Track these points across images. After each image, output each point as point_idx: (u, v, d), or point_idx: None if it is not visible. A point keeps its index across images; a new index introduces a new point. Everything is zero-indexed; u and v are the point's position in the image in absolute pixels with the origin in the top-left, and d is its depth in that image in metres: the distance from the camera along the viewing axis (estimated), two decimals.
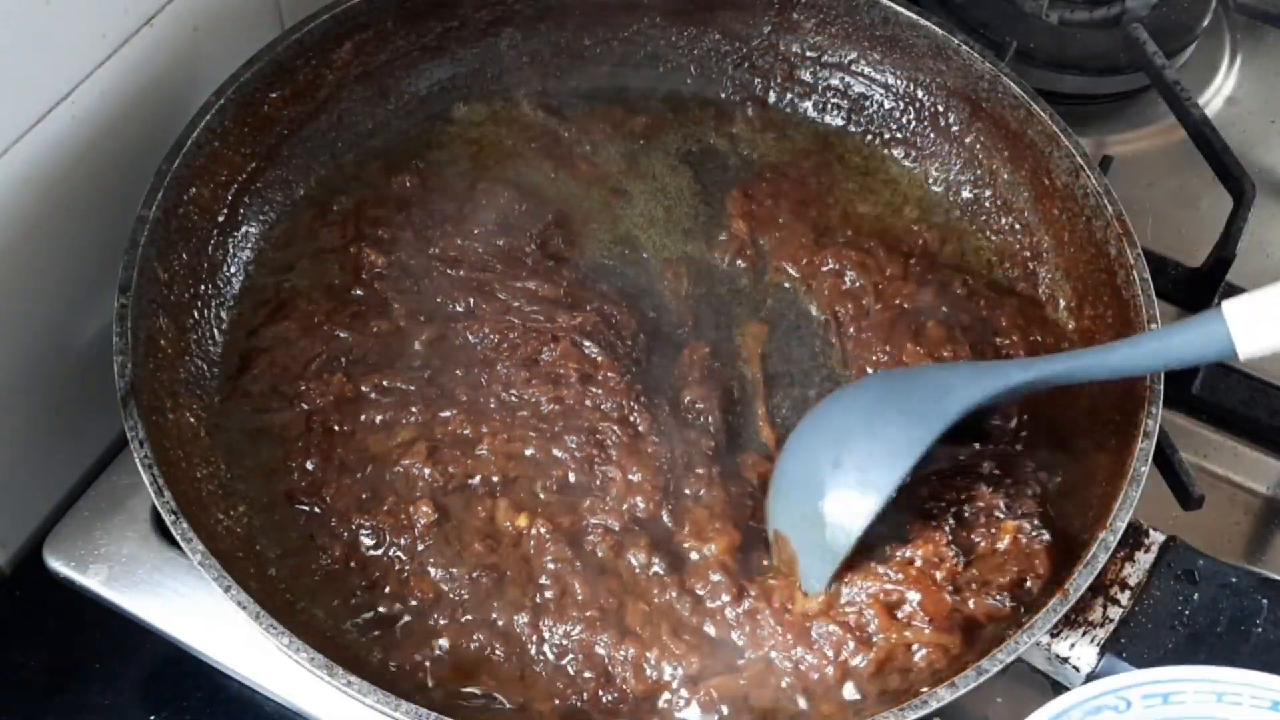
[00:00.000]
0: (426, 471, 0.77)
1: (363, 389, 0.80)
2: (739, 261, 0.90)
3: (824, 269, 0.88)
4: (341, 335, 0.82)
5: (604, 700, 0.71)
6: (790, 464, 0.77)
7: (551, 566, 0.74)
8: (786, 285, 0.89)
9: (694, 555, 0.75)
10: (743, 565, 0.75)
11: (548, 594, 0.73)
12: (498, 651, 0.72)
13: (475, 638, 0.72)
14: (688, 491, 0.78)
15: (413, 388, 0.81)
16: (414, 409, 0.80)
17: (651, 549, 0.75)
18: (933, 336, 0.83)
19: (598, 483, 0.77)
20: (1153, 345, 0.71)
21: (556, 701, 0.71)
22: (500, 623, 0.73)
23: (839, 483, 0.72)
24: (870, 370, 0.84)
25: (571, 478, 0.78)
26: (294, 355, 0.81)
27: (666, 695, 0.71)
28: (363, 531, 0.75)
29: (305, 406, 0.79)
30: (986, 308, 0.86)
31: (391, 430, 0.79)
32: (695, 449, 0.79)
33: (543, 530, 0.75)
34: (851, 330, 0.86)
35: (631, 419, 0.79)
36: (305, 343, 0.82)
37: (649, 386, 0.82)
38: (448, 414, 0.80)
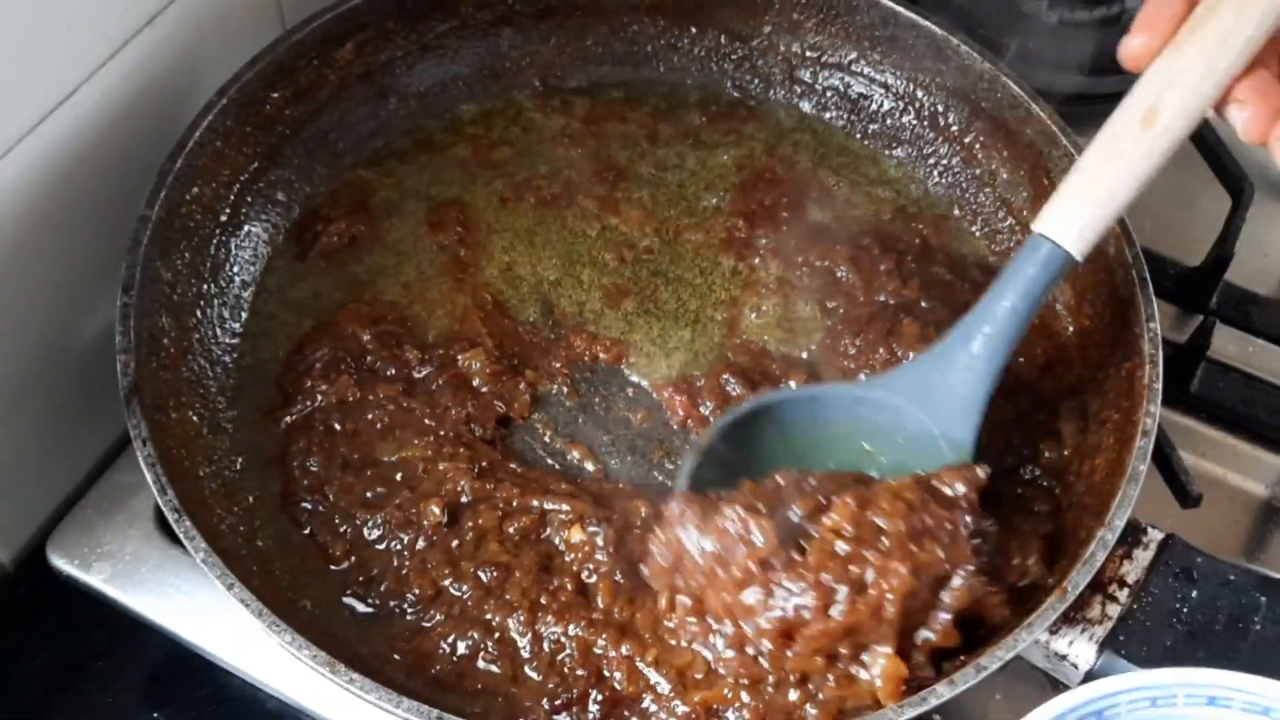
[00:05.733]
0: (439, 466, 0.77)
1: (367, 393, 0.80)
2: (740, 257, 0.90)
3: (818, 264, 0.88)
4: (349, 333, 0.82)
5: (592, 698, 0.71)
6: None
7: (574, 567, 0.74)
8: (784, 280, 0.89)
9: None
10: None
11: (560, 595, 0.73)
12: (491, 649, 0.72)
13: (470, 635, 0.72)
14: None
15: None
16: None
17: None
18: (907, 333, 0.82)
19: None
20: (1012, 280, 0.73)
21: (547, 701, 0.71)
22: (495, 620, 0.73)
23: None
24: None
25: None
26: (299, 355, 0.82)
27: (651, 698, 0.71)
28: (365, 528, 0.75)
29: (309, 404, 0.80)
30: (972, 293, 0.86)
31: (398, 428, 0.79)
32: None
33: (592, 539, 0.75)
34: (829, 322, 0.86)
35: None
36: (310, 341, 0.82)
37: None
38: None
